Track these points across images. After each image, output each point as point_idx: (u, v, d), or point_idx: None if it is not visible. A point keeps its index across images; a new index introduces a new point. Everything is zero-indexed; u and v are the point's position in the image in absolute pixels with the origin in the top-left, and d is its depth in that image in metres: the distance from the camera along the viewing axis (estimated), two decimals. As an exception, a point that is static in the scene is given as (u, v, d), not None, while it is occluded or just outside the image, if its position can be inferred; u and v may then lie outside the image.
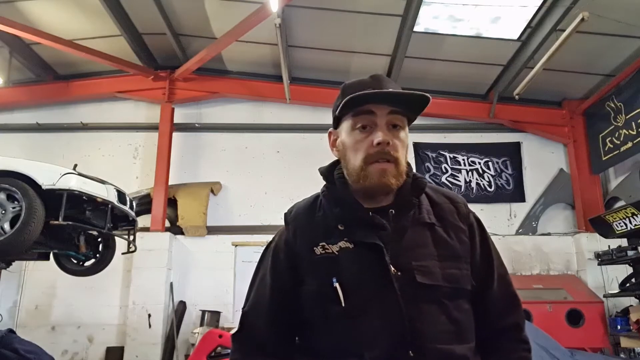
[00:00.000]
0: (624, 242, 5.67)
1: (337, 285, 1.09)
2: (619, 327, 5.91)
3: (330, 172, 1.26)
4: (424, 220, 1.18)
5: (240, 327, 1.24)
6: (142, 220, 6.70)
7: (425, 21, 5.99)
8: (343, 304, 1.08)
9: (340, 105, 1.15)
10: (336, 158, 1.27)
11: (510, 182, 7.55)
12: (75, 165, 4.56)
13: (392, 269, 1.08)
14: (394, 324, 1.05)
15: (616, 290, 6.01)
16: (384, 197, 1.18)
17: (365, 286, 1.09)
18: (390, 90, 1.15)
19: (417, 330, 1.05)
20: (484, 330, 1.18)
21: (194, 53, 7.17)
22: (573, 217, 7.45)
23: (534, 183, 7.54)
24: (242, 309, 1.26)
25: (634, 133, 6.23)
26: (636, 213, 4.82)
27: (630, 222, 4.93)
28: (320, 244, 1.15)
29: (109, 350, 6.66)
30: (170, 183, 7.26)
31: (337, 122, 1.24)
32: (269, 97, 7.69)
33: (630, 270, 5.73)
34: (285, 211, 1.29)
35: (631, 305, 5.90)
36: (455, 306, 1.12)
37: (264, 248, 1.31)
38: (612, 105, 6.74)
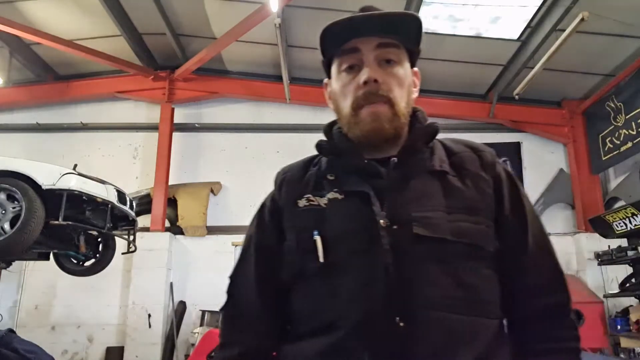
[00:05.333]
0: (624, 242, 5.66)
1: (317, 238, 0.93)
2: (618, 327, 5.90)
3: (331, 127, 1.10)
4: (433, 168, 0.98)
5: (229, 299, 1.10)
6: (142, 220, 6.70)
7: (425, 21, 5.95)
8: (321, 259, 0.92)
9: (320, 45, 1.00)
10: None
11: (510, 182, 7.56)
12: (75, 165, 4.56)
13: (382, 220, 0.90)
14: (377, 285, 0.86)
15: (616, 290, 6.01)
16: (389, 147, 1.00)
17: (349, 240, 0.92)
18: (363, 14, 0.97)
19: (408, 293, 0.86)
20: (519, 309, 0.97)
21: (194, 53, 7.17)
22: (573, 217, 7.45)
23: (534, 183, 7.53)
24: (229, 276, 1.12)
25: (634, 133, 6.23)
26: (636, 213, 4.82)
27: (630, 222, 4.93)
28: (306, 196, 1.01)
29: (109, 350, 6.66)
30: (170, 183, 7.26)
31: (328, 69, 1.08)
32: (269, 97, 7.69)
33: (630, 270, 5.73)
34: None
35: (631, 306, 5.89)
36: (468, 267, 0.90)
37: None
38: (612, 105, 6.73)
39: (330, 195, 0.98)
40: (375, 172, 0.97)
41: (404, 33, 1.00)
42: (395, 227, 0.90)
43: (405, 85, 1.01)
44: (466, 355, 0.86)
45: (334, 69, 1.05)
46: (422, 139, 1.02)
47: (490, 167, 1.01)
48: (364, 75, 0.96)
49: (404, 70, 1.01)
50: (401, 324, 0.84)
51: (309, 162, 1.11)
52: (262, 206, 1.13)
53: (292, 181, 1.07)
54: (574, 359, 0.96)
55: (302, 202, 1.01)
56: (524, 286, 0.98)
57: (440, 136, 1.08)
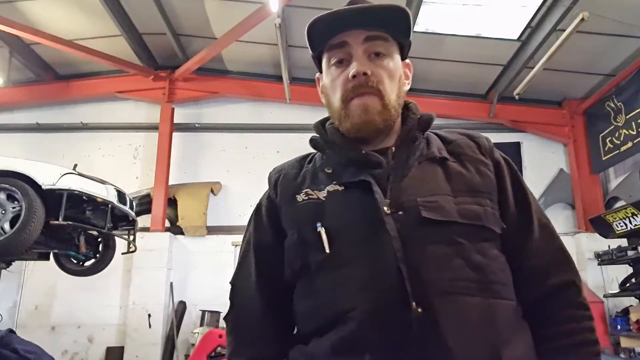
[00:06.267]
0: (624, 242, 5.66)
1: (320, 230, 0.91)
2: (619, 327, 5.90)
3: (323, 124, 1.10)
4: (433, 155, 0.98)
5: (231, 305, 1.08)
6: (142, 220, 6.70)
7: (425, 21, 5.98)
8: (327, 251, 0.90)
9: (307, 41, 1.01)
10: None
11: (510, 182, 7.55)
12: (75, 165, 4.56)
13: (386, 207, 0.89)
14: (388, 272, 0.84)
15: (616, 290, 6.01)
16: (383, 139, 1.00)
17: (353, 230, 0.90)
18: (342, 8, 0.96)
19: (421, 277, 0.83)
20: (530, 292, 0.94)
21: (194, 53, 7.17)
22: (573, 217, 7.45)
23: (534, 183, 7.53)
24: (230, 282, 1.11)
25: (634, 133, 6.23)
26: (636, 213, 4.81)
27: (630, 222, 4.92)
28: (304, 190, 0.99)
29: (109, 350, 6.65)
30: (170, 183, 7.26)
31: (319, 64, 1.08)
32: (269, 97, 7.69)
33: (630, 270, 5.72)
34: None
35: (631, 305, 5.90)
36: (478, 249, 0.89)
37: None
38: (612, 105, 6.73)
39: (330, 187, 0.97)
40: (375, 162, 0.96)
41: (392, 26, 0.99)
42: (400, 213, 0.89)
43: (395, 78, 1.00)
44: (489, 338, 0.84)
45: (324, 63, 1.04)
46: (418, 128, 1.02)
47: (489, 152, 1.03)
48: (352, 69, 0.95)
49: (394, 62, 1.00)
50: (419, 310, 0.81)
51: (302, 160, 1.11)
52: (259, 206, 1.11)
53: (287, 178, 1.06)
54: (589, 339, 0.94)
55: (300, 197, 0.99)
56: (531, 269, 0.96)
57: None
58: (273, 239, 1.04)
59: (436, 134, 1.06)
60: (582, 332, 0.93)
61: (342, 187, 0.96)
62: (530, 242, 0.97)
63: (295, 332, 1.02)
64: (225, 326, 1.12)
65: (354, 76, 0.95)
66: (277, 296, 1.02)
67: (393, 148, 0.98)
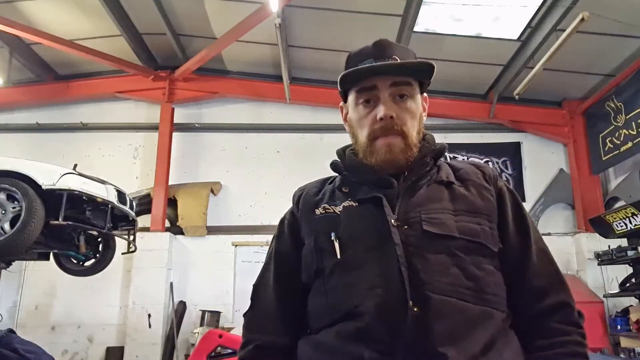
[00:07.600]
0: (624, 242, 5.66)
1: (334, 239, 1.04)
2: (618, 327, 5.90)
3: (344, 150, 1.22)
4: (441, 179, 1.10)
5: (251, 304, 1.20)
6: (142, 220, 6.70)
7: (425, 21, 5.99)
8: (339, 256, 1.02)
9: (338, 82, 1.13)
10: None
11: (510, 182, 7.54)
12: (75, 165, 4.56)
13: (393, 220, 1.00)
14: (391, 274, 0.95)
15: (616, 290, 6.01)
16: (400, 167, 1.11)
17: (364, 239, 1.02)
18: (383, 63, 1.08)
19: (420, 279, 0.93)
20: (527, 310, 1.04)
21: (194, 53, 7.17)
22: (573, 217, 7.45)
23: (534, 183, 7.54)
24: (253, 285, 1.23)
25: (634, 133, 6.23)
26: (636, 213, 4.81)
27: (630, 222, 4.93)
28: (322, 205, 1.13)
29: (109, 350, 6.65)
30: (170, 183, 7.26)
31: (344, 95, 1.19)
32: (269, 97, 7.69)
33: (630, 270, 5.72)
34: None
35: (631, 305, 5.90)
36: (473, 262, 0.99)
37: None
38: (612, 105, 6.73)
39: (345, 203, 1.09)
40: (387, 182, 1.07)
41: (418, 74, 1.12)
42: (405, 227, 1.00)
43: (417, 116, 1.12)
44: (476, 340, 0.92)
45: (351, 99, 1.15)
46: (430, 155, 1.13)
47: (492, 180, 1.13)
48: (380, 112, 1.06)
49: (416, 103, 1.12)
50: (415, 309, 0.91)
51: (324, 181, 1.24)
52: (282, 220, 1.23)
53: (308, 196, 1.19)
54: (577, 351, 0.99)
55: (318, 211, 1.12)
56: (528, 289, 1.05)
57: (439, 138, 1.18)
58: (292, 248, 1.16)
59: (447, 163, 1.18)
60: (571, 344, 1.00)
61: (356, 203, 1.08)
62: (529, 264, 1.07)
63: (308, 331, 1.12)
64: (243, 323, 1.22)
65: (381, 119, 1.06)
66: (293, 297, 1.14)
67: (405, 172, 1.09)
